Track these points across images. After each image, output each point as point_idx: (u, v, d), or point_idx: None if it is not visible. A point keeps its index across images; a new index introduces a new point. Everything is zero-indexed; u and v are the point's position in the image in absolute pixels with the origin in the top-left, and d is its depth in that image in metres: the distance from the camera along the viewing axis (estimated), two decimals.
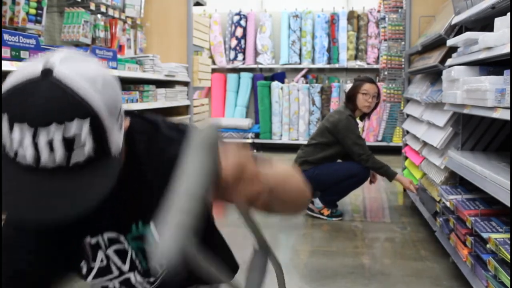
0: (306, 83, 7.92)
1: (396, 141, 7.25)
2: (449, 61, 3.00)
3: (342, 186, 3.90)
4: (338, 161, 4.04)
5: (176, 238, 0.62)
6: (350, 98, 4.01)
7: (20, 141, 0.71)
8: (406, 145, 4.51)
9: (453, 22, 3.06)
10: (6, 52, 2.29)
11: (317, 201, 3.99)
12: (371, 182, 4.05)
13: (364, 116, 4.13)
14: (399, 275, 2.81)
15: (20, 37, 2.39)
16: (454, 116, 3.02)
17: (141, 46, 4.55)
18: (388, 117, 7.39)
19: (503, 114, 1.95)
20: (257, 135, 7.83)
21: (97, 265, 1.02)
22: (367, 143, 7.18)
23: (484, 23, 2.86)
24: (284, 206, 0.90)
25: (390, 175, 3.80)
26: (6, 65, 2.26)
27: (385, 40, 5.92)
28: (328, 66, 7.86)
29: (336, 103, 7.44)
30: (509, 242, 2.00)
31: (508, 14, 2.08)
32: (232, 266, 1.29)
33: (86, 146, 0.75)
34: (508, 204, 1.88)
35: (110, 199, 0.80)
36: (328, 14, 7.78)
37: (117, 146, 0.81)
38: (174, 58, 4.50)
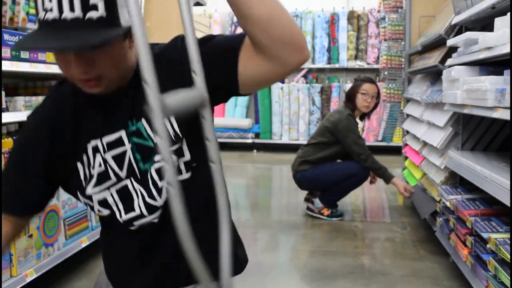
0: (306, 83, 7.93)
1: (396, 141, 7.25)
2: (449, 61, 3.00)
3: (342, 186, 3.91)
4: (338, 161, 4.04)
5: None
6: (350, 97, 4.01)
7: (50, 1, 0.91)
8: (406, 145, 4.51)
9: (453, 22, 3.06)
10: (6, 52, 2.29)
11: (317, 201, 3.99)
12: (371, 182, 4.05)
13: (364, 116, 4.13)
14: (399, 275, 2.81)
15: (20, 37, 2.39)
16: (454, 116, 3.02)
17: None
18: (388, 117, 7.39)
19: (503, 114, 1.95)
20: (257, 135, 7.83)
21: (96, 171, 1.09)
22: (367, 143, 7.19)
23: (484, 23, 2.86)
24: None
25: (387, 178, 3.80)
26: (6, 65, 2.26)
27: (385, 40, 5.93)
28: (328, 66, 7.87)
29: (336, 103, 7.45)
30: (509, 242, 2.00)
31: (508, 14, 2.08)
32: (242, 257, 1.28)
33: (99, 7, 0.92)
34: (508, 204, 1.88)
35: (117, 97, 1.04)
36: (328, 14, 7.78)
37: (125, 21, 0.97)
38: None
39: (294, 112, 7.69)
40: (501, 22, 2.16)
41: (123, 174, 1.09)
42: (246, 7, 0.92)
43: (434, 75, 3.81)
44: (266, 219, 4.07)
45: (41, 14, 0.92)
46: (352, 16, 7.73)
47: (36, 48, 1.05)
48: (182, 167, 1.10)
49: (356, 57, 7.82)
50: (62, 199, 2.66)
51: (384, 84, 6.21)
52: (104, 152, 1.09)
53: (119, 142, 1.09)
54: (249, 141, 7.76)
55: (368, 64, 7.71)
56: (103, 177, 1.09)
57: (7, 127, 2.36)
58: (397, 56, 5.63)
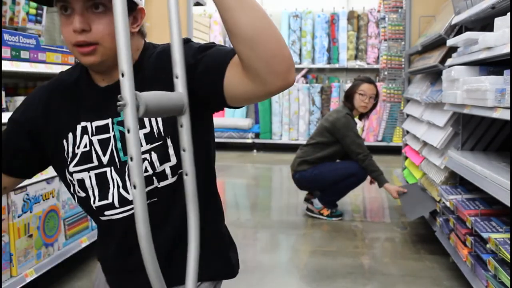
0: (306, 83, 7.92)
1: (396, 141, 7.25)
2: (449, 61, 3.00)
3: (341, 185, 3.91)
4: (337, 161, 4.04)
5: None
6: (348, 97, 4.02)
7: None
8: (406, 145, 4.51)
9: (453, 22, 3.06)
10: (6, 52, 2.28)
11: (316, 202, 3.99)
12: (371, 182, 4.04)
13: (363, 115, 4.13)
14: (399, 275, 2.81)
15: (20, 37, 2.39)
16: (454, 116, 3.02)
17: None
18: (388, 117, 7.39)
19: (503, 114, 1.95)
20: (257, 135, 7.83)
21: (80, 150, 1.13)
22: (367, 143, 7.21)
23: (484, 23, 2.86)
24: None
25: (380, 182, 3.80)
26: (6, 65, 2.26)
27: (385, 40, 5.92)
28: (328, 66, 7.87)
29: (336, 103, 7.44)
30: (509, 242, 2.00)
31: (508, 14, 2.08)
32: (234, 262, 1.26)
33: None
34: (508, 204, 1.88)
35: (114, 88, 1.05)
36: (328, 14, 7.78)
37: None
38: None
39: (294, 112, 7.69)
40: (501, 22, 2.16)
41: (105, 160, 1.12)
42: (231, 22, 0.92)
43: (434, 75, 3.81)
44: (266, 219, 4.07)
45: None
46: (352, 16, 7.74)
47: None
48: (168, 171, 1.10)
49: (356, 57, 7.82)
50: (62, 199, 2.66)
51: (384, 84, 6.20)
52: (92, 134, 1.13)
53: (106, 129, 1.12)
54: (249, 141, 7.77)
55: (368, 64, 7.71)
56: (86, 158, 1.13)
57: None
58: (397, 56, 5.63)
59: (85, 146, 1.13)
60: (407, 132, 4.45)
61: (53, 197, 2.58)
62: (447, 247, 2.78)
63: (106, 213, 1.13)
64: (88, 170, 1.13)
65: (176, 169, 1.10)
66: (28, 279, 2.32)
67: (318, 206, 3.97)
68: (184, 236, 1.14)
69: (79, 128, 1.14)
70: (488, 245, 2.11)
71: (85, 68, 1.15)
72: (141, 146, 1.09)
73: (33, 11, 2.95)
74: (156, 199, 1.11)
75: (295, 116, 7.70)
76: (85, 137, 1.13)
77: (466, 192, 2.75)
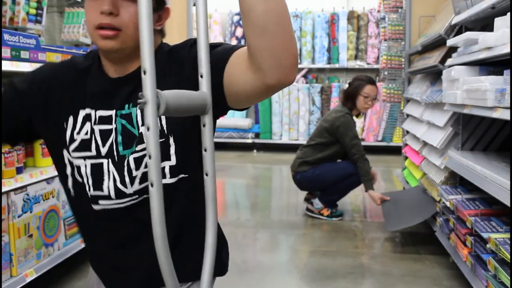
0: (306, 83, 7.92)
1: (396, 141, 7.26)
2: (449, 61, 3.00)
3: (341, 185, 3.91)
4: (338, 161, 4.04)
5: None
6: (350, 97, 4.01)
7: None
8: (406, 145, 4.51)
9: (453, 22, 3.06)
10: (6, 52, 2.28)
11: (316, 202, 3.99)
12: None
13: (359, 113, 4.14)
14: (399, 275, 2.81)
15: (20, 37, 2.39)
16: (454, 116, 3.02)
17: None
18: (388, 117, 7.39)
19: (503, 114, 1.95)
20: (257, 135, 7.83)
21: (80, 137, 1.13)
22: (367, 143, 7.21)
23: (484, 23, 2.86)
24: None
25: (367, 187, 3.80)
26: (6, 65, 2.26)
27: (385, 40, 5.92)
28: (328, 66, 7.87)
29: (336, 103, 7.44)
30: (509, 242, 2.00)
31: (508, 14, 2.08)
32: (225, 261, 1.26)
33: None
34: (508, 204, 1.88)
35: (126, 79, 1.10)
36: (328, 14, 7.78)
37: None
38: None
39: (294, 112, 7.69)
40: (501, 22, 2.16)
41: (103, 151, 1.12)
42: (247, 7, 0.92)
43: (434, 75, 3.81)
44: (266, 219, 4.07)
45: None
46: (352, 16, 7.74)
47: None
48: (167, 170, 1.10)
49: (356, 57, 7.82)
50: (62, 199, 2.66)
51: (384, 84, 6.20)
52: (95, 123, 1.12)
53: (108, 120, 1.12)
54: (249, 141, 7.77)
55: (368, 64, 7.72)
56: (84, 146, 1.12)
57: None
58: (397, 56, 5.63)
59: (86, 133, 1.12)
60: (407, 132, 4.45)
61: (53, 197, 2.59)
62: (447, 247, 2.78)
63: (100, 202, 1.12)
64: (84, 158, 1.13)
65: (176, 171, 1.09)
66: (28, 279, 2.32)
67: (318, 206, 3.97)
68: (182, 237, 1.14)
69: (81, 113, 1.14)
70: (488, 245, 2.11)
71: (97, 57, 1.15)
72: (143, 142, 1.09)
73: (33, 11, 2.94)
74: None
75: (295, 116, 7.71)
76: (88, 124, 1.13)
77: (466, 192, 2.75)
